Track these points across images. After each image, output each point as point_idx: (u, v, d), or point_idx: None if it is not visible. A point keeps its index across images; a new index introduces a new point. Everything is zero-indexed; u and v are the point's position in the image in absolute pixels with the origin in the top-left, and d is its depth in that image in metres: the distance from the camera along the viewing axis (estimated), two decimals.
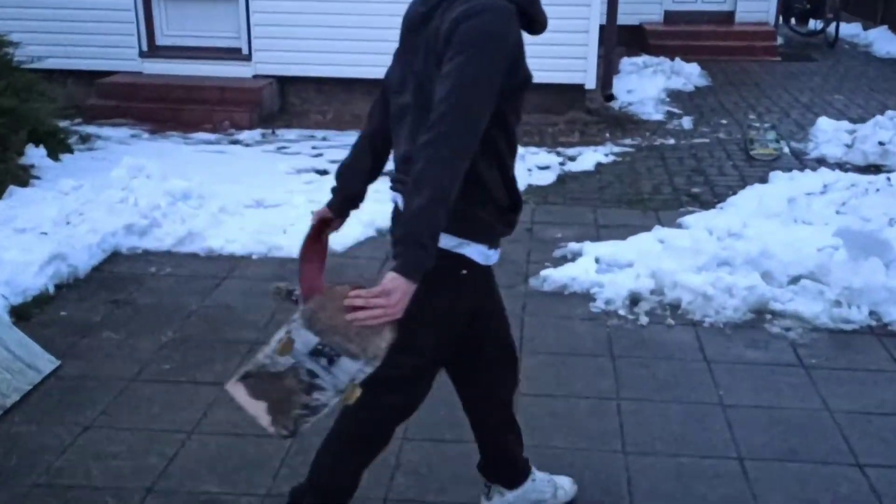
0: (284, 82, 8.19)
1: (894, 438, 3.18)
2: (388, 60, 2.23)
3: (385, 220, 2.51)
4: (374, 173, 2.32)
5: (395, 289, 1.81)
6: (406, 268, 1.83)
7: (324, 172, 6.25)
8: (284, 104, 8.24)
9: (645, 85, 9.10)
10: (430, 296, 1.91)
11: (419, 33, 2.03)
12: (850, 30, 13.15)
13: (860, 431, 3.21)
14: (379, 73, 2.35)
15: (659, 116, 8.20)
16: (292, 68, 8.06)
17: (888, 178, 5.37)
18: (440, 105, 1.87)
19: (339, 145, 7.04)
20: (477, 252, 2.13)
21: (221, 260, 4.77)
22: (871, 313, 4.11)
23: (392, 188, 2.14)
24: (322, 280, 2.18)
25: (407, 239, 1.84)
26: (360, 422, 2.25)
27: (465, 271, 2.13)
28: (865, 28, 13.26)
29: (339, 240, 4.72)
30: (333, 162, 6.33)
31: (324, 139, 7.40)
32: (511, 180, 2.14)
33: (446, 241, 2.02)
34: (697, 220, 5.19)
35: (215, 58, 8.14)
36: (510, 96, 2.00)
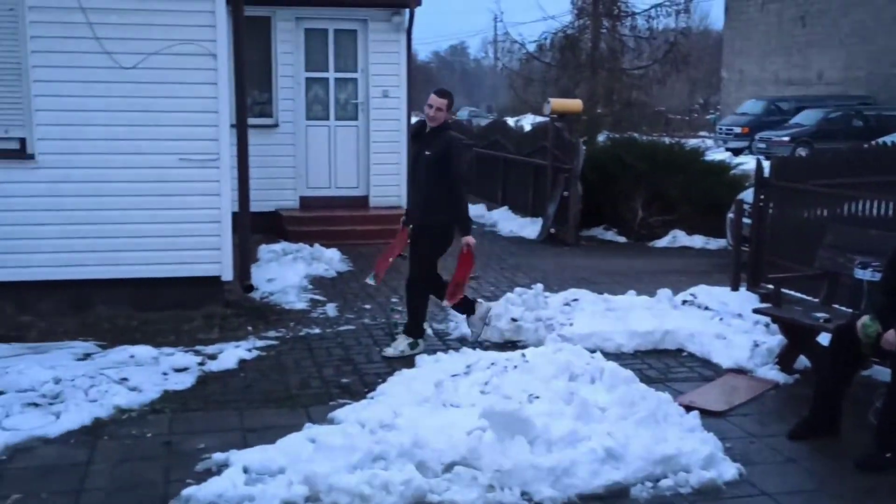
0: None
1: None
2: None
3: None
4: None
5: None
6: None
7: None
8: None
9: (286, 273, 9.32)
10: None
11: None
12: (476, 210, 14.69)
13: None
14: None
15: (302, 305, 8.42)
16: None
17: (523, 355, 5.92)
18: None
19: None
20: None
21: None
22: (523, 494, 4.40)
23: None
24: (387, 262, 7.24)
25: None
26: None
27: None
28: (489, 209, 14.92)
29: None
30: None
31: None
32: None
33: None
34: (349, 414, 5.30)
35: None
36: None
